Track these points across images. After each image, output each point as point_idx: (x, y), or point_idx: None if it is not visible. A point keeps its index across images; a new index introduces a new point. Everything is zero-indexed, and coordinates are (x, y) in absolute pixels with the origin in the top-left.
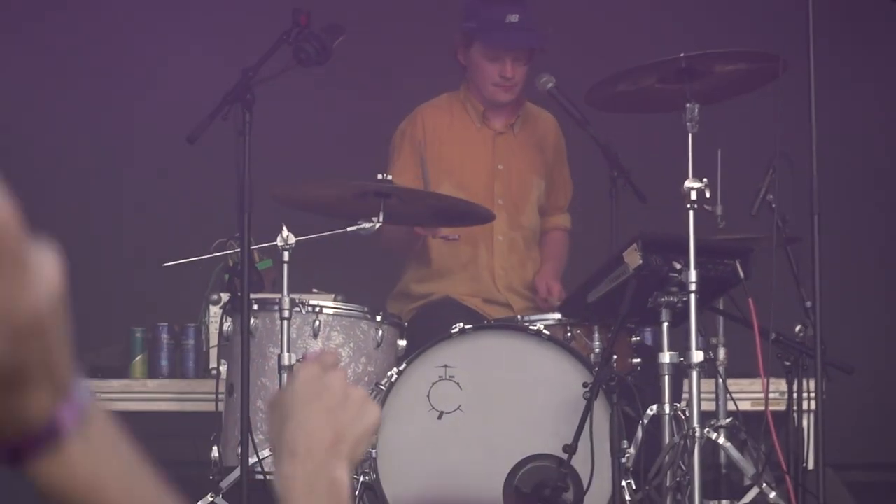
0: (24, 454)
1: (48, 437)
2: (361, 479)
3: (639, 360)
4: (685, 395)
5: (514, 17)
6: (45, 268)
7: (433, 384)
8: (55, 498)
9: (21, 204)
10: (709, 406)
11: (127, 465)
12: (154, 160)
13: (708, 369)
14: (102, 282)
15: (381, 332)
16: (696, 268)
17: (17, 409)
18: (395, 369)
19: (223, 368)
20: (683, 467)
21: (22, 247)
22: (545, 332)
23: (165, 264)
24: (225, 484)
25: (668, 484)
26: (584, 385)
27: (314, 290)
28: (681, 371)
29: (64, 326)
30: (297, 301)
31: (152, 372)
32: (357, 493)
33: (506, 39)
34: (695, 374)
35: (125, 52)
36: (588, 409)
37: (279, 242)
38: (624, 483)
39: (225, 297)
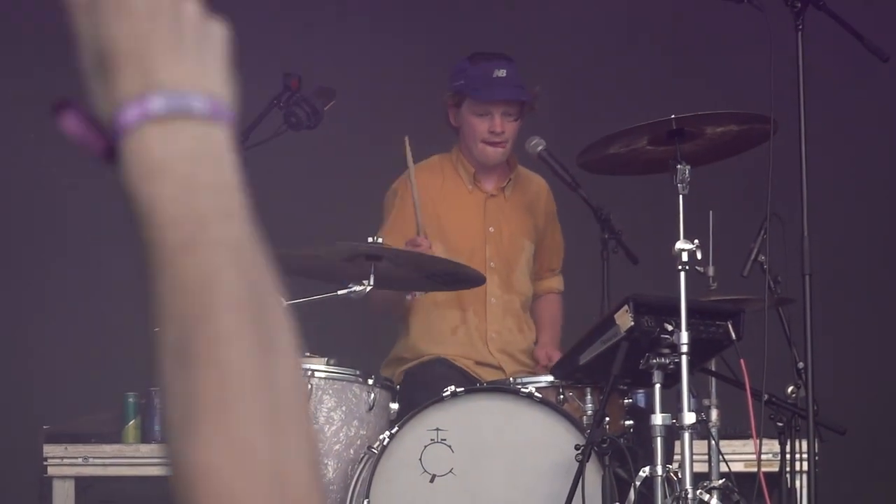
0: (116, 134)
1: (132, 119)
2: None
3: (631, 421)
4: (677, 457)
5: (501, 73)
6: None
7: (425, 447)
8: (132, 185)
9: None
10: (701, 467)
11: (198, 173)
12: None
13: (700, 431)
14: (95, 347)
15: (373, 396)
16: (687, 329)
17: (112, 87)
18: (387, 432)
19: None
20: None
21: None
22: (537, 394)
23: (158, 329)
24: None
25: None
26: (577, 447)
27: (306, 354)
28: (673, 433)
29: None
30: None
31: (145, 437)
32: None
33: (493, 93)
34: (687, 436)
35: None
36: (580, 472)
37: None
38: None
39: None
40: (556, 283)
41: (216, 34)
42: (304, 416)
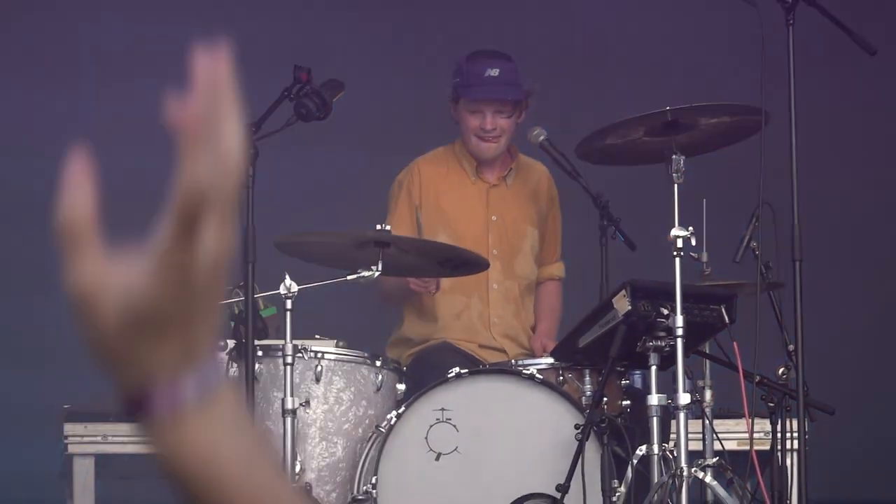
0: (142, 409)
1: (169, 399)
2: None
3: (628, 402)
4: (673, 436)
5: (494, 72)
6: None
7: (431, 427)
8: (168, 466)
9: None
10: (696, 446)
11: (247, 450)
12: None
13: (695, 410)
14: None
15: (381, 377)
16: (682, 313)
17: (149, 358)
18: (394, 412)
19: None
20: None
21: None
22: (538, 375)
23: None
24: None
25: None
26: (576, 427)
27: (316, 336)
28: (668, 412)
29: (217, 296)
30: (299, 347)
31: None
32: None
33: (482, 92)
34: (682, 416)
35: (125, 111)
36: (580, 450)
37: (282, 291)
38: None
39: (230, 343)
40: (556, 270)
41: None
42: None
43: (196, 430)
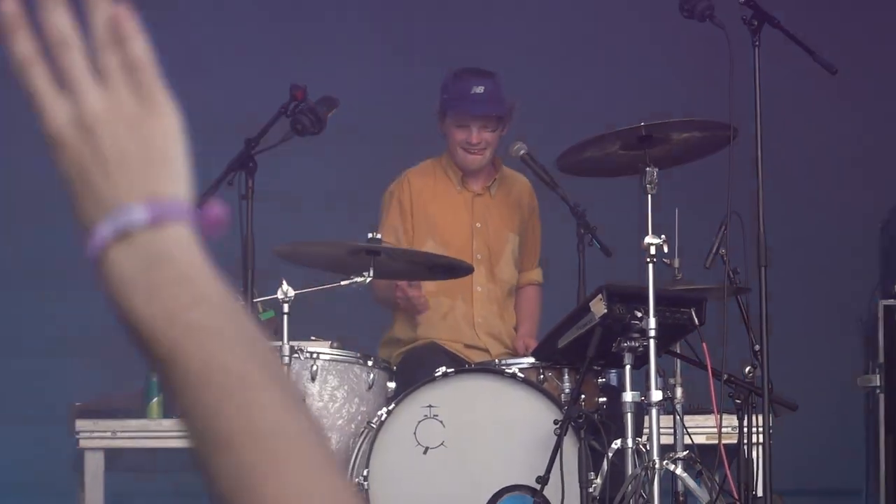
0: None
1: (96, 239)
2: None
3: (604, 399)
4: (646, 431)
5: (479, 89)
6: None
7: (419, 422)
8: (109, 292)
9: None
10: (667, 440)
11: (153, 278)
12: None
13: (666, 407)
14: (120, 332)
15: (372, 376)
16: (655, 316)
17: (86, 210)
18: (384, 409)
19: None
20: (645, 496)
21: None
22: (520, 374)
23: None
24: None
25: None
26: (555, 422)
27: (312, 338)
28: (642, 409)
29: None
30: (296, 348)
31: (168, 412)
32: None
33: (468, 108)
34: (654, 412)
35: None
36: (558, 444)
37: (279, 295)
38: None
39: None
40: (536, 275)
41: (159, 128)
42: (331, 451)
43: (119, 262)
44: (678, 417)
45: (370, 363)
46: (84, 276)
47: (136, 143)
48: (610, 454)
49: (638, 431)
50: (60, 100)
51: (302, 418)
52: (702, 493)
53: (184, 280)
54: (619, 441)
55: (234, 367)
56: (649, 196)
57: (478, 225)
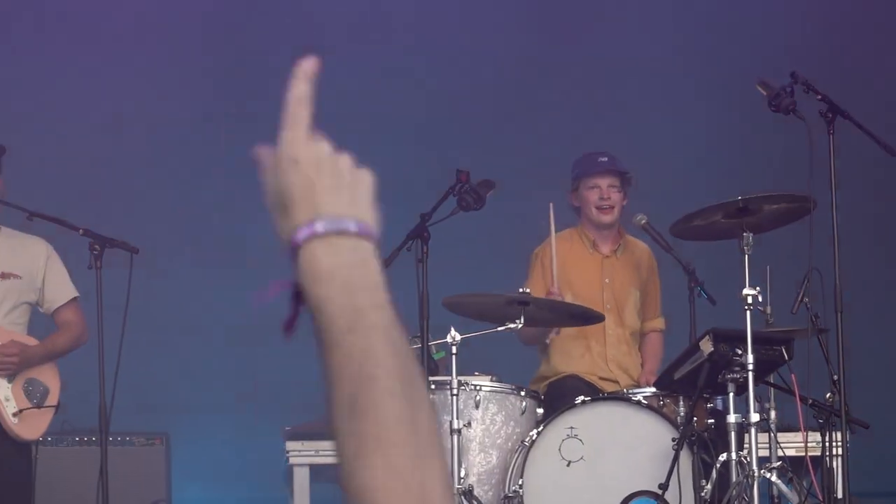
0: (295, 249)
1: (303, 238)
2: None
3: (712, 420)
4: (746, 446)
5: (603, 158)
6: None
7: (563, 441)
8: (307, 279)
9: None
10: (764, 453)
11: (355, 282)
12: None
13: (763, 426)
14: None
15: (524, 403)
16: (752, 353)
17: (290, 219)
18: (535, 431)
19: None
20: (746, 499)
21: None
22: (644, 401)
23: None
24: None
25: None
26: (673, 440)
27: (475, 373)
28: (743, 428)
29: (336, 174)
30: (462, 382)
31: None
32: None
33: (598, 168)
34: (753, 430)
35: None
36: (676, 457)
37: (448, 339)
38: None
39: None
40: (658, 323)
41: (365, 178)
42: (440, 449)
43: (319, 254)
44: (772, 435)
45: (522, 393)
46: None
47: (357, 179)
48: (717, 465)
49: (740, 446)
50: (305, 134)
51: (416, 415)
52: (793, 497)
53: (375, 285)
54: (724, 454)
55: (385, 364)
56: (746, 256)
57: (607, 280)
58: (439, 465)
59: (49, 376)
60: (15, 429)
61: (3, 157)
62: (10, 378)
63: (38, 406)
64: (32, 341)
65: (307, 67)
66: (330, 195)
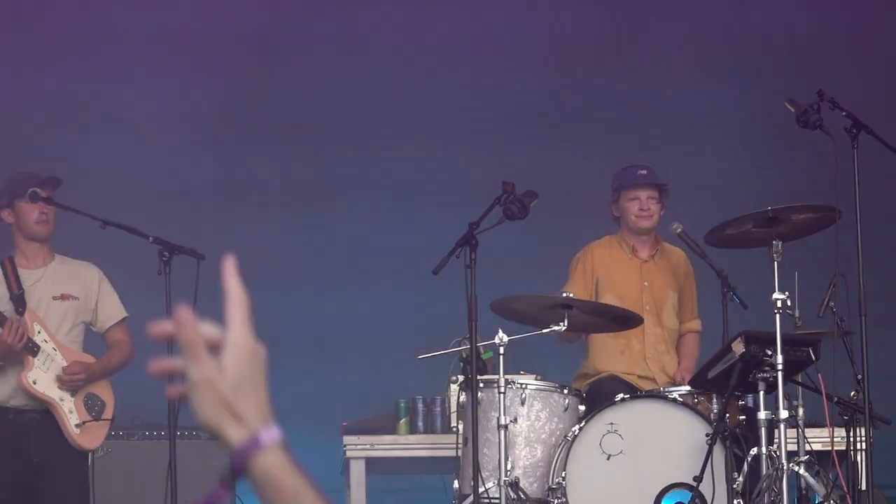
0: (238, 464)
1: (245, 453)
2: (556, 501)
3: (744, 417)
4: (776, 441)
5: (643, 171)
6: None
7: (603, 436)
8: (259, 492)
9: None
10: (792, 447)
11: (299, 480)
12: (401, 282)
13: (791, 422)
14: (377, 369)
15: (567, 401)
16: (781, 353)
17: (226, 439)
18: (577, 426)
19: (460, 427)
20: (776, 490)
21: (198, 336)
22: (679, 398)
23: (420, 356)
24: None
25: (765, 501)
26: (707, 435)
27: (521, 372)
28: (773, 424)
29: (252, 386)
30: (509, 380)
31: (412, 429)
32: None
33: (639, 178)
34: (782, 426)
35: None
36: (710, 451)
37: (496, 341)
38: (735, 501)
39: (460, 378)
40: (695, 324)
41: (262, 357)
42: None
43: (265, 466)
44: (800, 430)
45: (565, 391)
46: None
47: (261, 367)
48: (749, 459)
49: (770, 441)
50: (192, 363)
51: None
52: (819, 488)
53: (304, 486)
54: (755, 449)
55: None
56: (776, 262)
57: (645, 284)
58: None
59: (105, 391)
60: (77, 439)
61: (58, 187)
62: (73, 393)
63: (96, 419)
64: (90, 359)
65: (230, 266)
66: (252, 403)
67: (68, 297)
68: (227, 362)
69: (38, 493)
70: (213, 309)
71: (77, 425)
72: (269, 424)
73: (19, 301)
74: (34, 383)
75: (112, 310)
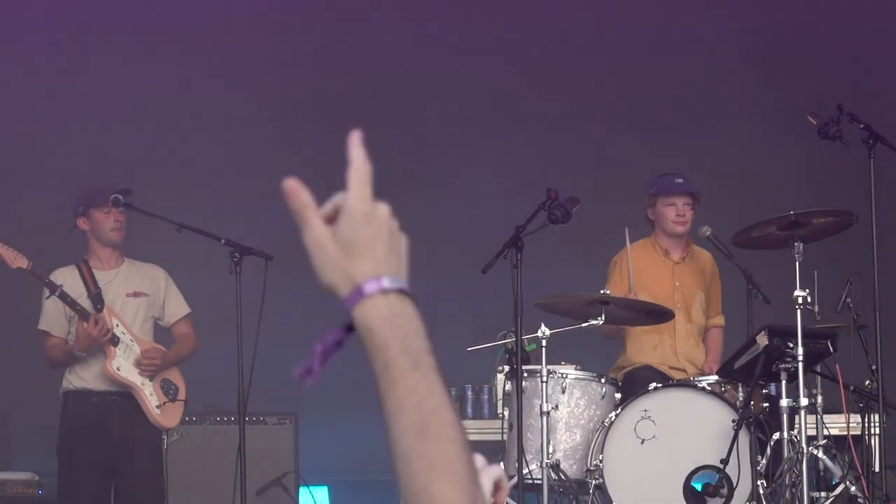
0: (352, 303)
1: (348, 305)
2: (593, 482)
3: (767, 404)
4: (797, 426)
5: (679, 179)
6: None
7: (638, 422)
8: (364, 335)
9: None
10: (812, 432)
11: (412, 330)
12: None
13: (811, 409)
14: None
15: (605, 389)
16: (802, 346)
17: (341, 299)
18: (613, 413)
19: (505, 413)
20: (796, 472)
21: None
22: (707, 387)
23: (469, 349)
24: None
25: (787, 482)
26: (733, 421)
27: (562, 362)
28: (794, 410)
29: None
30: (551, 370)
31: (462, 415)
32: (591, 493)
33: (676, 187)
34: (803, 413)
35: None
36: (735, 436)
37: (539, 334)
38: (759, 482)
39: (506, 368)
40: (719, 320)
41: (405, 242)
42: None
43: (380, 306)
44: (819, 416)
45: (603, 380)
46: None
47: (399, 241)
48: (772, 443)
49: (791, 427)
50: (304, 229)
51: (467, 444)
52: (836, 470)
53: (425, 335)
54: (778, 433)
55: (444, 399)
56: (797, 262)
57: (676, 283)
58: (480, 489)
59: (177, 377)
60: (159, 419)
61: (129, 195)
62: (151, 378)
63: (172, 400)
64: (162, 349)
65: (356, 137)
66: (389, 254)
67: (140, 294)
68: (339, 227)
69: (120, 469)
70: (282, 306)
71: (157, 406)
72: (383, 277)
73: (97, 299)
74: (118, 370)
75: (178, 306)
